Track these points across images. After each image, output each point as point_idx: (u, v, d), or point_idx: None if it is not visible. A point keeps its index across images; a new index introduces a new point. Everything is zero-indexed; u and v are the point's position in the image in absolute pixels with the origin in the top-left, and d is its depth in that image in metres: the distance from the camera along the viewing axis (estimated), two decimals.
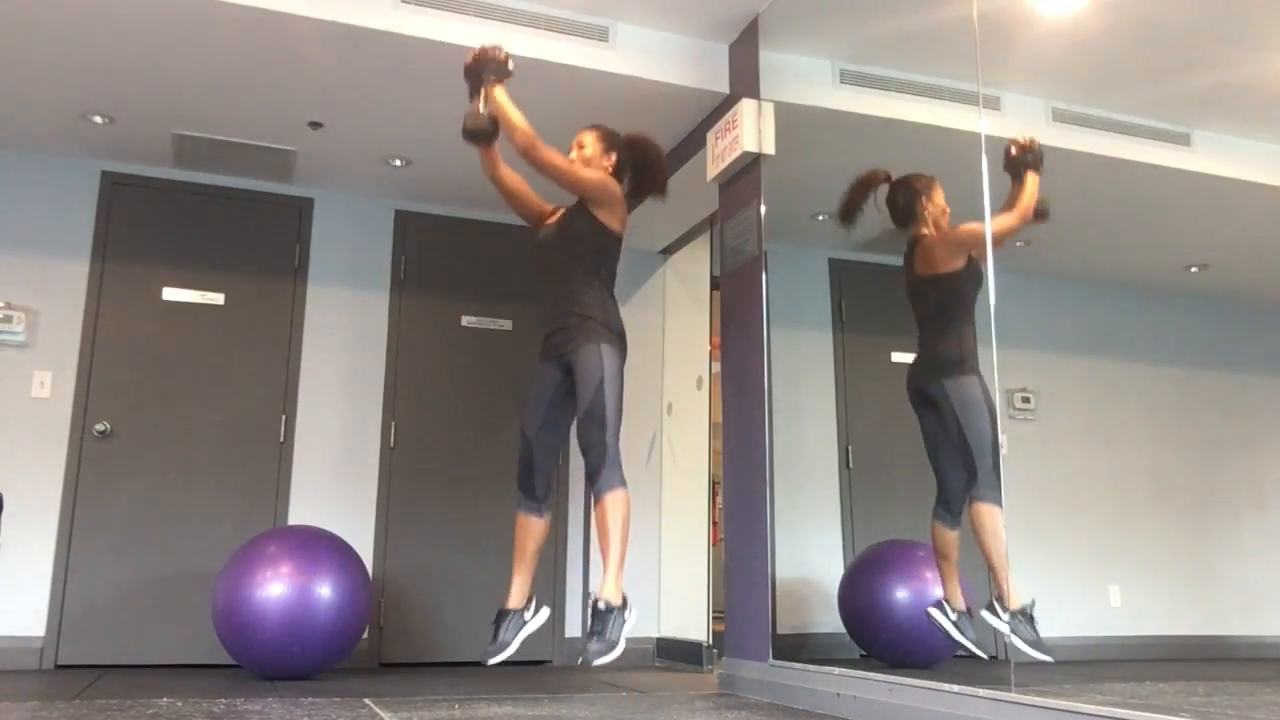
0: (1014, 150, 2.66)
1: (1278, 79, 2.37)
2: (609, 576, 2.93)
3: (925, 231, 2.77)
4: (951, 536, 2.76)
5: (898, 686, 2.62)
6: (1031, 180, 2.63)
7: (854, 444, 3.53)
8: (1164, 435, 2.79)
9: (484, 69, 3.09)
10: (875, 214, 3.48)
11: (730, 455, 3.67)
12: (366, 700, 3.14)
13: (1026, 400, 2.78)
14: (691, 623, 4.74)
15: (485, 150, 3.15)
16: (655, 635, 4.89)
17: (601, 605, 2.92)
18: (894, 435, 3.47)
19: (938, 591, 3.09)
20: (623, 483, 2.96)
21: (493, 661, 3.08)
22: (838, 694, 2.87)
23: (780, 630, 3.37)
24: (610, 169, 3.24)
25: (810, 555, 3.55)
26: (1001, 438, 2.59)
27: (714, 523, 5.28)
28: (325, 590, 3.68)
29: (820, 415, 3.59)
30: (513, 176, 3.23)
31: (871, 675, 2.75)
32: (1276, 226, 2.49)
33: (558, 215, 3.24)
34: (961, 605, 2.72)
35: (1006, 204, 2.65)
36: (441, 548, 4.75)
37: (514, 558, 3.20)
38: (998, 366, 2.61)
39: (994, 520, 2.56)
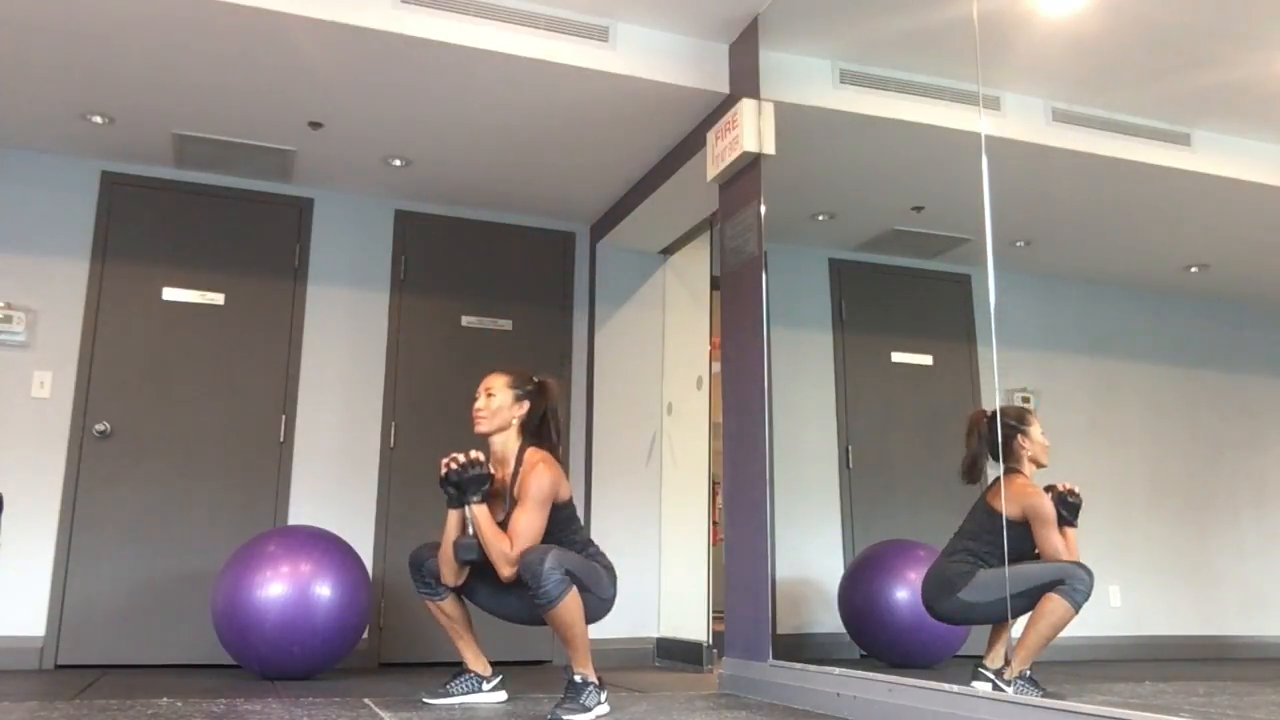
0: (1054, 492, 2.61)
1: (1278, 79, 2.37)
2: (581, 659, 2.89)
3: (1019, 471, 2.68)
4: None
5: (898, 686, 2.62)
6: (1073, 537, 2.59)
7: (854, 444, 3.53)
8: (1164, 435, 2.78)
9: (466, 490, 2.95)
10: (874, 213, 3.48)
11: (730, 455, 3.67)
12: (366, 700, 3.14)
13: (1026, 400, 2.78)
14: (691, 623, 4.73)
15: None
16: (655, 635, 4.89)
17: (578, 678, 2.87)
18: (894, 435, 3.47)
19: None
20: (565, 586, 2.82)
21: (428, 700, 3.13)
22: (838, 694, 2.87)
23: (780, 630, 3.37)
24: (523, 418, 3.12)
25: (810, 555, 3.55)
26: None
27: (714, 523, 5.28)
28: (325, 590, 3.69)
29: (820, 415, 3.59)
30: (502, 532, 2.99)
31: (871, 675, 2.75)
32: (1276, 226, 2.48)
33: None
34: (998, 664, 2.68)
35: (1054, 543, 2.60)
36: None
37: (450, 638, 3.25)
38: (998, 366, 2.61)
39: (1061, 618, 2.49)
